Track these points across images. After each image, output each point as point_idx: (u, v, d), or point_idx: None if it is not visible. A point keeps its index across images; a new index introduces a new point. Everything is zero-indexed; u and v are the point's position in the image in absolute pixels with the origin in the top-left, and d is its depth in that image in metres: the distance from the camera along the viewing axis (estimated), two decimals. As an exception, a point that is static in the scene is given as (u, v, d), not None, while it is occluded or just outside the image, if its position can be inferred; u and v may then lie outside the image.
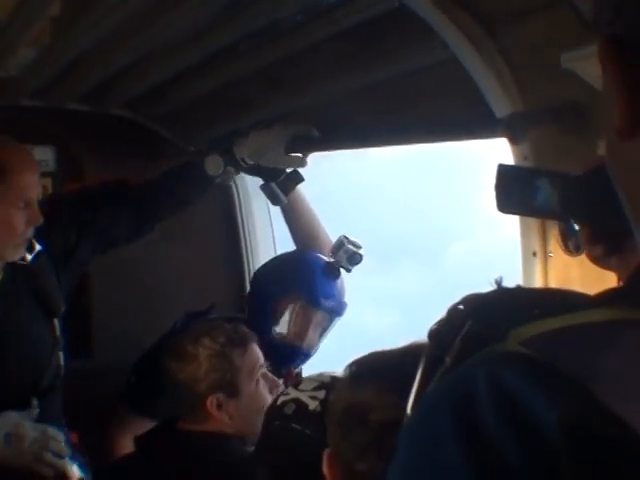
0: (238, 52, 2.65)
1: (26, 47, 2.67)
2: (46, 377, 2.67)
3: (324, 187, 3.21)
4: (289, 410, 1.89)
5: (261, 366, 2.53)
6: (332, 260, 3.14)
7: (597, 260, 1.42)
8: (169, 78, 2.93)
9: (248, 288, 3.42)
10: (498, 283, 0.64)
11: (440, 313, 0.64)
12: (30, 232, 2.59)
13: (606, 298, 0.59)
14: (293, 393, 1.92)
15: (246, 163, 2.97)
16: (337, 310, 3.15)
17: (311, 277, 3.12)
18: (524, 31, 2.01)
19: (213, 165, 2.96)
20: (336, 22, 2.34)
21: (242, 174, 3.28)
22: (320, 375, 1.98)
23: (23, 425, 2.48)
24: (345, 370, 1.54)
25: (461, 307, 0.63)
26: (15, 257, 2.62)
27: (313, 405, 1.88)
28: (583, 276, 1.97)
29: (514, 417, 0.50)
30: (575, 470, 0.47)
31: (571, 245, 1.96)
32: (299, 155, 3.01)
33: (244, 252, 3.64)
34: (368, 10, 2.25)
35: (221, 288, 3.60)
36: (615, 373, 0.50)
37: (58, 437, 2.48)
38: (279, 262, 3.30)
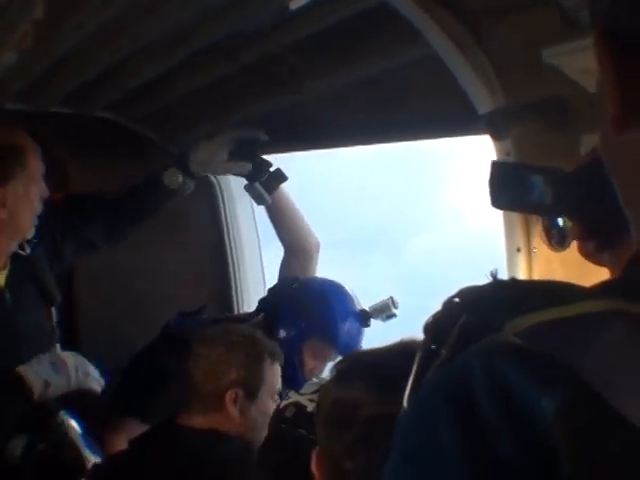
0: (221, 52, 2.65)
1: (9, 51, 2.67)
2: None
3: (292, 185, 3.20)
4: (289, 413, 1.90)
5: (279, 388, 2.55)
6: (367, 310, 3.11)
7: (590, 256, 1.42)
8: (152, 79, 2.93)
9: (235, 287, 3.41)
10: (493, 276, 0.65)
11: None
12: (40, 208, 2.69)
13: (601, 289, 0.59)
14: (294, 397, 1.93)
15: (198, 174, 3.06)
16: (352, 350, 3.12)
17: (341, 324, 3.06)
18: (506, 28, 2.02)
19: (171, 178, 3.02)
20: (320, 19, 2.34)
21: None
22: (321, 379, 1.98)
23: (59, 352, 2.63)
24: (332, 368, 1.54)
25: (457, 299, 0.64)
26: (29, 236, 2.71)
27: (311, 407, 1.88)
28: (567, 271, 1.98)
29: (509, 407, 0.51)
30: (570, 461, 0.48)
31: (555, 240, 1.98)
32: (243, 162, 3.06)
33: (229, 252, 3.63)
34: (352, 7, 2.25)
35: (206, 288, 3.60)
36: (610, 364, 0.51)
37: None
38: (311, 297, 3.13)
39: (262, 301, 3.22)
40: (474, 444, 0.51)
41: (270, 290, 3.27)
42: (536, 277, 2.12)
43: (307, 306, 3.08)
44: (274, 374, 2.53)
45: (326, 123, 2.91)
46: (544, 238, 2.01)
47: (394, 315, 3.11)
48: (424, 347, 0.64)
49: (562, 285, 0.62)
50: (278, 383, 2.55)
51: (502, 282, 0.66)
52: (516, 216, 2.15)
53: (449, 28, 2.10)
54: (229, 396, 2.42)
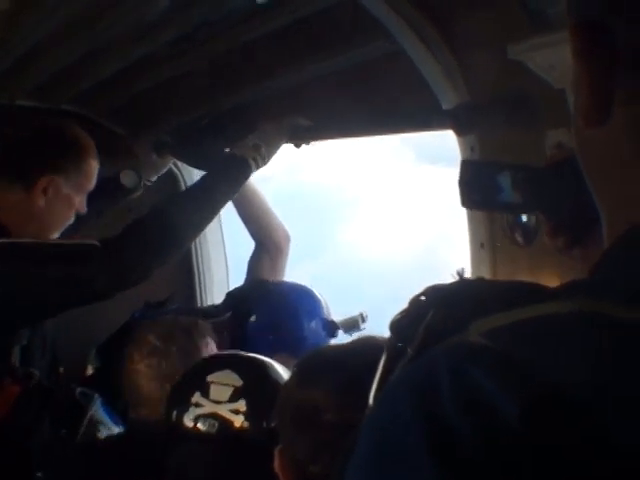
0: (189, 44, 2.64)
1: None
2: None
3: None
4: (211, 429, 1.84)
5: None
6: (335, 322, 3.07)
7: (559, 252, 1.43)
8: (119, 72, 2.91)
9: (199, 281, 3.39)
10: (460, 275, 0.64)
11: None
12: (73, 219, 2.66)
13: (569, 290, 0.59)
14: (207, 405, 1.87)
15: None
16: None
17: (309, 338, 3.02)
18: (471, 22, 2.02)
19: (128, 179, 3.09)
20: (290, 13, 2.34)
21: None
22: (226, 375, 1.92)
23: None
24: (293, 368, 1.53)
25: (423, 298, 0.64)
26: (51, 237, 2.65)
27: (239, 422, 1.84)
28: (532, 267, 1.99)
29: (474, 408, 0.50)
30: (534, 462, 0.47)
31: (519, 236, 1.98)
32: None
33: (192, 246, 3.62)
34: (320, 1, 2.25)
35: (169, 282, 3.57)
36: (575, 366, 0.50)
37: None
38: (282, 309, 3.08)
39: (230, 298, 3.20)
40: (439, 445, 0.50)
41: (240, 291, 3.25)
42: (500, 273, 2.13)
43: (277, 319, 3.04)
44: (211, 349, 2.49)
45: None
46: (508, 234, 2.02)
47: (362, 330, 3.10)
48: (390, 345, 0.63)
49: (529, 285, 0.62)
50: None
51: (468, 281, 0.66)
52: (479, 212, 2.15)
53: (415, 23, 2.10)
54: None
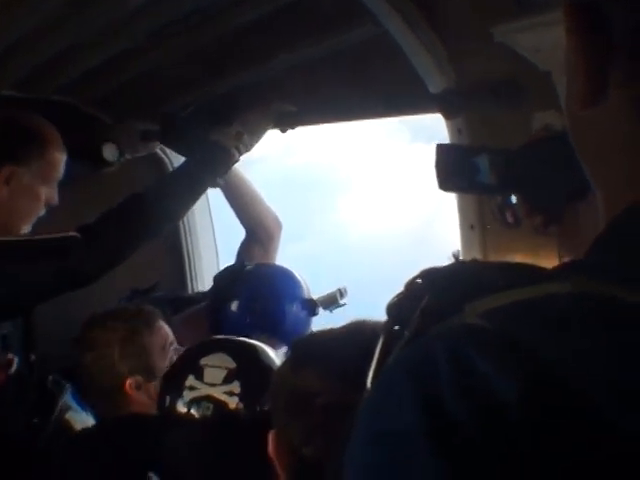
0: (174, 32, 2.63)
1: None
2: None
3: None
4: (206, 411, 1.84)
5: (171, 343, 2.52)
6: (314, 299, 3.07)
7: (537, 230, 1.44)
8: (106, 61, 2.90)
9: (189, 268, 3.39)
10: (455, 257, 0.65)
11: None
12: (43, 211, 2.62)
13: (566, 270, 0.59)
14: (202, 388, 1.88)
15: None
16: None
17: (288, 319, 3.02)
18: (458, 6, 2.02)
19: (109, 152, 3.11)
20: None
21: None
22: (219, 357, 1.93)
23: None
24: (287, 352, 1.53)
25: (419, 280, 0.64)
26: (19, 232, 2.61)
27: (234, 403, 1.84)
28: (522, 247, 2.00)
29: (472, 390, 0.50)
30: (532, 443, 0.48)
31: (509, 218, 1.99)
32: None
33: (182, 232, 3.61)
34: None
35: (159, 268, 3.57)
36: (575, 347, 0.50)
37: None
38: (261, 290, 3.08)
39: (214, 281, 3.20)
40: (437, 428, 0.50)
41: (221, 274, 3.24)
42: (491, 254, 2.14)
43: (258, 302, 3.04)
44: (157, 334, 2.50)
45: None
46: (497, 216, 2.02)
47: (343, 305, 3.10)
48: (387, 328, 0.63)
49: (525, 266, 0.62)
50: (168, 336, 2.53)
51: (465, 263, 0.66)
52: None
53: (401, 8, 2.09)
54: (129, 385, 2.41)
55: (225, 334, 2.45)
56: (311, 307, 3.06)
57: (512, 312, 0.54)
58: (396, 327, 0.62)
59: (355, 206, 5.62)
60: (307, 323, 3.07)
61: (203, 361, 1.94)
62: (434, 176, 1.52)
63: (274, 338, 2.91)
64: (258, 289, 3.06)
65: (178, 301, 3.20)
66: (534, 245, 1.92)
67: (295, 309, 3.04)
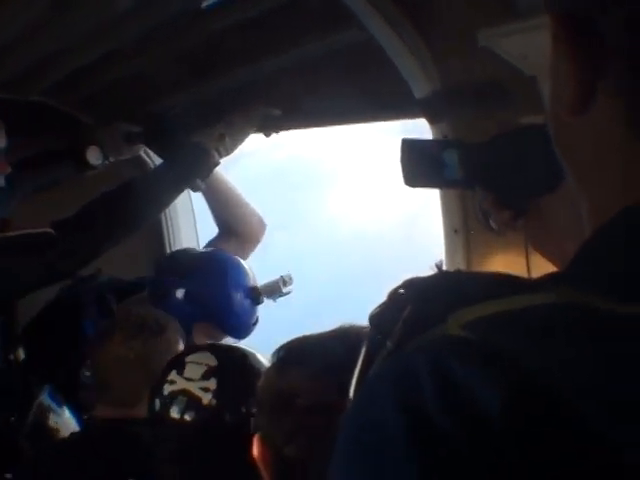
0: (161, 35, 2.63)
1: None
2: None
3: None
4: (180, 404, 1.85)
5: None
6: (257, 287, 3.06)
7: (504, 225, 1.44)
8: (91, 63, 2.89)
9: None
10: (438, 267, 0.64)
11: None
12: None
13: (551, 281, 0.58)
14: (179, 381, 1.88)
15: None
16: (242, 330, 3.08)
17: (232, 308, 3.02)
18: (443, 10, 2.02)
19: (93, 156, 3.09)
20: (259, 3, 2.33)
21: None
22: (204, 355, 1.93)
23: None
24: (273, 355, 1.53)
25: (401, 291, 0.63)
26: None
27: (207, 399, 1.84)
28: (506, 252, 2.00)
29: (455, 401, 0.50)
30: (517, 453, 0.47)
31: (492, 222, 1.98)
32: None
33: (165, 231, 3.61)
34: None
35: (140, 256, 3.57)
36: (559, 358, 0.50)
37: None
38: (202, 278, 3.06)
39: (159, 268, 3.20)
40: (420, 439, 0.50)
41: (167, 260, 3.26)
42: (475, 259, 2.13)
43: (203, 289, 3.03)
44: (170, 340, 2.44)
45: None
46: (481, 221, 2.02)
47: (287, 293, 3.10)
48: (370, 338, 0.63)
49: (509, 277, 0.62)
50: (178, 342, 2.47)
51: (448, 273, 0.66)
52: (453, 197, 2.15)
53: (386, 11, 2.09)
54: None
55: None
56: (255, 295, 3.05)
57: (495, 322, 0.54)
58: (379, 336, 0.62)
59: (344, 200, 5.61)
60: (252, 312, 3.06)
61: (188, 358, 1.95)
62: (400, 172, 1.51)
63: (216, 327, 2.97)
64: (203, 277, 3.05)
65: (121, 287, 3.19)
66: (519, 250, 1.92)
67: (240, 298, 3.03)
